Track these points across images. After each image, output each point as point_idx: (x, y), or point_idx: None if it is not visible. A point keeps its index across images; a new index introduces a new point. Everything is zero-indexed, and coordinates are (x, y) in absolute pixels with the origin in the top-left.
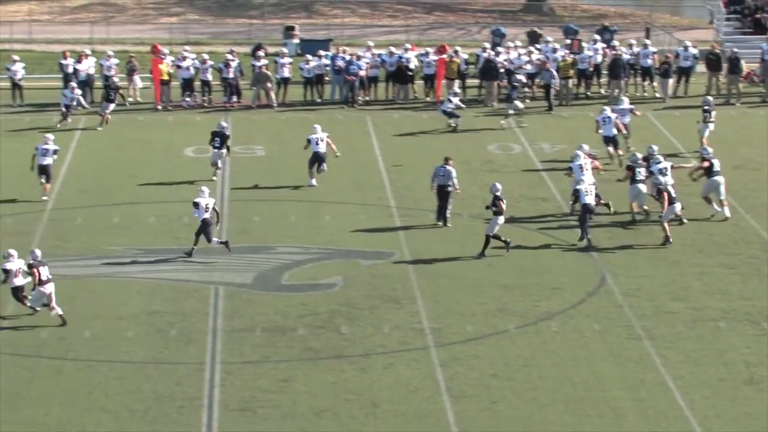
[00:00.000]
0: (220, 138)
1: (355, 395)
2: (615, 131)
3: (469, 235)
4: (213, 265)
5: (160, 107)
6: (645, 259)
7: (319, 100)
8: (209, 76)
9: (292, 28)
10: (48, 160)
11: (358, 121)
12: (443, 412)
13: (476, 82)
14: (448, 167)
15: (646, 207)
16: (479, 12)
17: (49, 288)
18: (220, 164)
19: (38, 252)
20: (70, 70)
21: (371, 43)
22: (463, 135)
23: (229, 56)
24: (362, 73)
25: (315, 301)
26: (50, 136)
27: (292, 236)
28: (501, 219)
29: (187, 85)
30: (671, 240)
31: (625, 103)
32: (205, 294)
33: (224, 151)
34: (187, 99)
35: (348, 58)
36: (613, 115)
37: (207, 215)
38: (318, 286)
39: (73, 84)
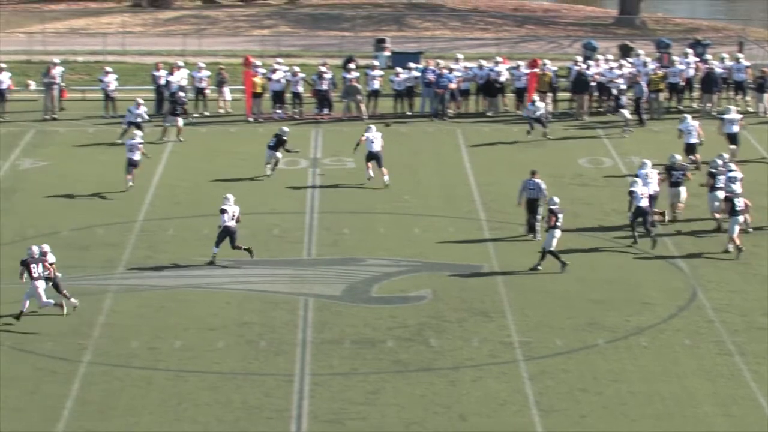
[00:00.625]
0: (276, 139)
1: (443, 408)
2: (697, 140)
3: (559, 249)
4: (302, 277)
5: (251, 119)
6: (737, 273)
7: (409, 113)
8: (300, 89)
9: (383, 41)
10: (137, 155)
11: (448, 134)
12: (532, 426)
13: (567, 95)
14: (537, 180)
15: (718, 215)
16: (570, 25)
17: (41, 285)
18: (269, 168)
19: (35, 248)
20: (162, 81)
21: (460, 56)
22: (554, 148)
23: (323, 68)
24: (453, 86)
25: (404, 313)
26: (139, 132)
27: (382, 248)
28: (557, 233)
29: (278, 98)
30: (742, 249)
31: (732, 113)
32: (295, 305)
33: (278, 153)
34: (278, 111)
35: (438, 70)
36: (696, 123)
37: (232, 223)
38: (407, 299)
39: (140, 101)
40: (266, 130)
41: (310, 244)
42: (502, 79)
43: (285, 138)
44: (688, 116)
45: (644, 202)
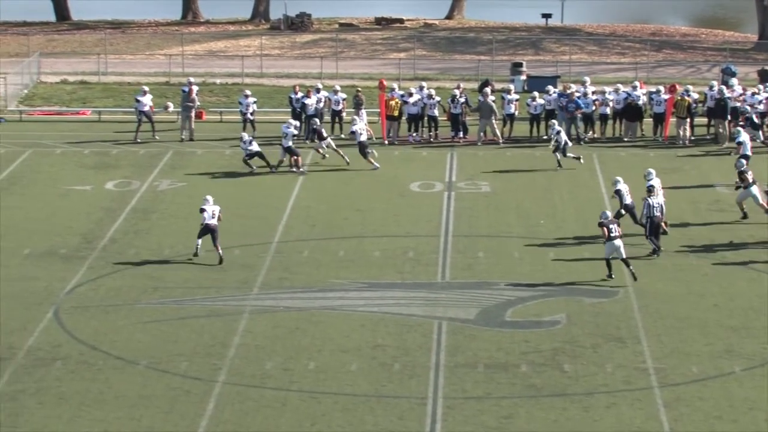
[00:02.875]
0: (314, 132)
1: None
2: None
3: (695, 275)
4: (437, 300)
5: (386, 142)
6: None
7: (545, 137)
8: (436, 112)
9: (519, 65)
10: (288, 142)
11: (584, 159)
12: None
13: (705, 120)
14: (657, 199)
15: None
16: (709, 50)
17: None
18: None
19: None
20: (302, 103)
21: (587, 79)
22: (690, 174)
23: (457, 92)
24: (581, 111)
25: (538, 338)
26: (293, 121)
27: (516, 272)
28: (616, 242)
29: (414, 121)
30: None
31: None
32: (429, 329)
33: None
34: (414, 135)
35: (567, 94)
36: None
37: (213, 221)
38: (541, 323)
39: (145, 88)
40: (402, 154)
41: (444, 267)
42: (641, 103)
43: (317, 128)
44: None
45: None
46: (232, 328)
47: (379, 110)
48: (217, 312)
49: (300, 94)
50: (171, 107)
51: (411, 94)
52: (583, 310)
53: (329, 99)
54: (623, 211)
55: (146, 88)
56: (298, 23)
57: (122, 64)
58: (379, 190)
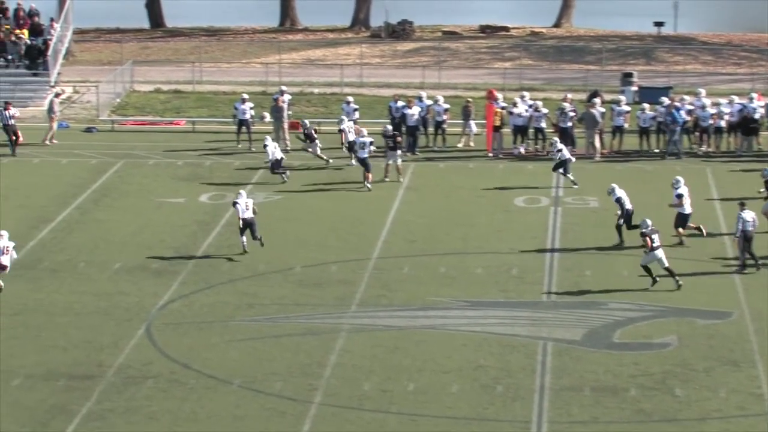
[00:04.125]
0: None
1: None
2: None
3: None
4: (541, 320)
5: (491, 154)
6: None
7: (656, 150)
8: (543, 124)
9: (630, 75)
10: (364, 154)
11: (697, 173)
12: None
13: None
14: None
15: None
16: None
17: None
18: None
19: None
20: (402, 113)
21: (702, 91)
22: None
23: (566, 105)
24: (686, 121)
25: (648, 360)
26: (363, 131)
27: (626, 291)
28: (657, 253)
29: (520, 133)
30: None
31: None
32: (533, 350)
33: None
34: (519, 147)
35: (666, 106)
36: None
37: (248, 214)
38: (651, 345)
39: (245, 96)
40: (506, 167)
41: (549, 285)
42: (757, 116)
43: (309, 132)
44: None
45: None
46: (329, 346)
47: (485, 121)
48: (313, 330)
49: (400, 104)
50: (267, 118)
51: (515, 104)
52: (695, 332)
53: (433, 109)
54: (622, 220)
55: (246, 96)
56: (400, 31)
57: (217, 73)
58: (483, 205)
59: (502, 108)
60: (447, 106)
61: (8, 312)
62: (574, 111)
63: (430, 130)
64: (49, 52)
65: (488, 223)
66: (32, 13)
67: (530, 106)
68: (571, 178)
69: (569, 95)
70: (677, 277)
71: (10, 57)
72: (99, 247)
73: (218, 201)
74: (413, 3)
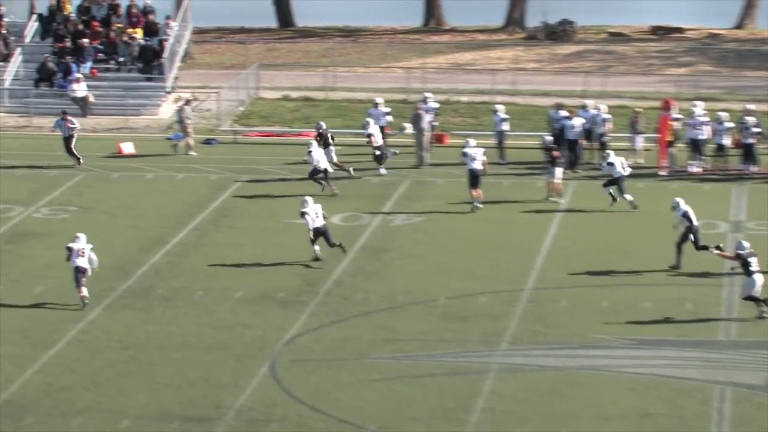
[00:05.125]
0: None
1: None
2: None
3: None
4: (719, 362)
5: (662, 173)
6: None
7: None
8: (725, 140)
9: None
10: (477, 165)
11: None
12: None
13: None
14: None
15: None
16: None
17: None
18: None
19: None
20: (562, 124)
21: None
22: None
23: (749, 118)
24: None
25: None
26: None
27: None
28: (757, 277)
29: (696, 148)
30: None
31: None
32: (708, 395)
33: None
34: (695, 164)
35: None
36: None
37: (320, 222)
38: None
39: (378, 100)
40: (681, 187)
41: (728, 322)
42: None
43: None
44: None
45: None
46: (476, 389)
47: (658, 135)
48: (458, 370)
49: (562, 113)
50: (409, 129)
51: (692, 116)
52: None
53: (595, 121)
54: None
55: (379, 100)
56: (559, 32)
57: (353, 78)
58: (651, 230)
59: (676, 119)
60: (607, 116)
61: (117, 346)
62: (758, 126)
63: (595, 144)
64: (165, 54)
65: (656, 250)
66: (147, 11)
67: (716, 121)
68: (629, 198)
69: (752, 106)
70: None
71: (121, 59)
72: (218, 274)
73: (353, 222)
74: (575, 1)
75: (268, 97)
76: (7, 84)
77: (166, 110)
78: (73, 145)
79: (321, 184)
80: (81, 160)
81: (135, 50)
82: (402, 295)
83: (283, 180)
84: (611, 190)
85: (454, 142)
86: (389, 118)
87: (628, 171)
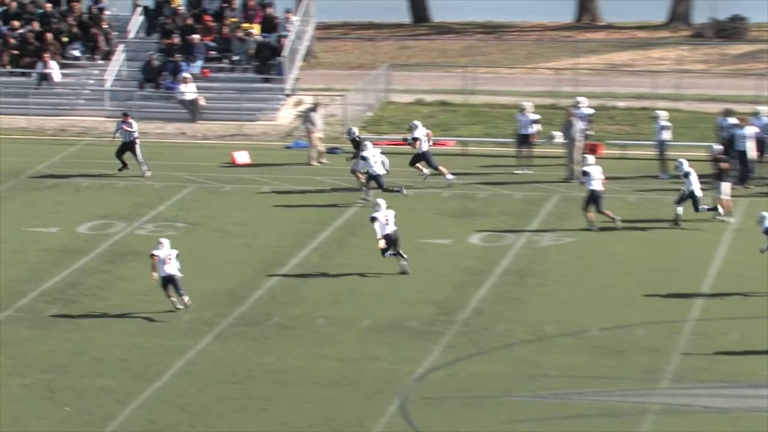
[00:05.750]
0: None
1: None
2: None
3: None
4: None
5: None
6: None
7: None
8: None
9: None
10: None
11: None
12: None
13: None
14: None
15: None
16: None
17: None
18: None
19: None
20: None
21: None
22: None
23: None
24: None
25: None
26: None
27: None
28: None
29: None
30: None
31: None
32: None
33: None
34: None
35: None
36: None
37: (391, 229)
38: None
39: (526, 104)
40: None
41: None
42: None
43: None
44: None
45: None
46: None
47: None
48: (612, 410)
49: (731, 121)
50: (558, 138)
51: None
52: None
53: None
54: None
55: (527, 104)
56: (730, 30)
57: (495, 80)
58: None
59: None
60: None
61: (229, 379)
62: None
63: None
64: (285, 52)
65: None
66: (265, 4)
67: None
68: (722, 213)
69: None
70: None
71: (236, 58)
72: (343, 300)
73: (494, 243)
74: None
75: (400, 101)
76: (108, 85)
77: (285, 115)
78: (138, 151)
79: (365, 189)
80: (128, 167)
81: (251, 48)
82: (549, 325)
83: (416, 193)
84: (679, 211)
85: (610, 152)
86: (537, 126)
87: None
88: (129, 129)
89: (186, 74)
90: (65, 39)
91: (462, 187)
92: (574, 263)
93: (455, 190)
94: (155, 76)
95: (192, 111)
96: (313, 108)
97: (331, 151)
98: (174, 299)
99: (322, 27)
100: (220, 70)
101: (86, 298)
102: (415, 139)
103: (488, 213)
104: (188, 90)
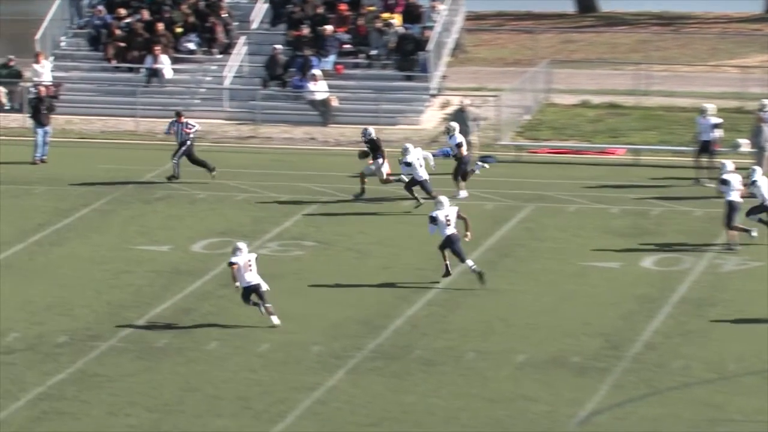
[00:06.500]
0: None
1: None
2: None
3: None
4: None
5: None
6: None
7: None
8: None
9: None
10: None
11: None
12: None
13: None
14: None
15: None
16: None
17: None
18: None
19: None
20: None
21: None
22: None
23: None
24: None
25: None
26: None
27: None
28: None
29: None
30: None
31: None
32: None
33: (380, 160)
34: None
35: None
36: None
37: (451, 230)
38: None
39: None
40: None
41: None
42: None
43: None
44: None
45: None
46: None
47: None
48: None
49: None
50: (745, 145)
51: None
52: None
53: None
54: None
55: (708, 106)
56: None
57: (672, 80)
58: None
59: None
60: None
61: (363, 421)
62: None
63: None
64: (430, 46)
65: None
66: None
67: None
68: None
69: None
70: None
71: (373, 52)
72: (495, 331)
73: (670, 267)
74: None
75: (562, 102)
76: (227, 82)
77: (430, 118)
78: (195, 154)
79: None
80: (179, 175)
81: (391, 41)
82: (733, 362)
83: (580, 209)
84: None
85: None
86: (719, 131)
87: None
88: (188, 129)
89: (316, 71)
90: (179, 30)
91: (633, 203)
92: (763, 290)
93: (625, 206)
94: (281, 72)
95: (323, 113)
96: (461, 110)
97: (483, 160)
98: (263, 311)
99: (472, 17)
100: (356, 66)
101: (200, 327)
102: (459, 145)
103: (663, 232)
104: (319, 89)
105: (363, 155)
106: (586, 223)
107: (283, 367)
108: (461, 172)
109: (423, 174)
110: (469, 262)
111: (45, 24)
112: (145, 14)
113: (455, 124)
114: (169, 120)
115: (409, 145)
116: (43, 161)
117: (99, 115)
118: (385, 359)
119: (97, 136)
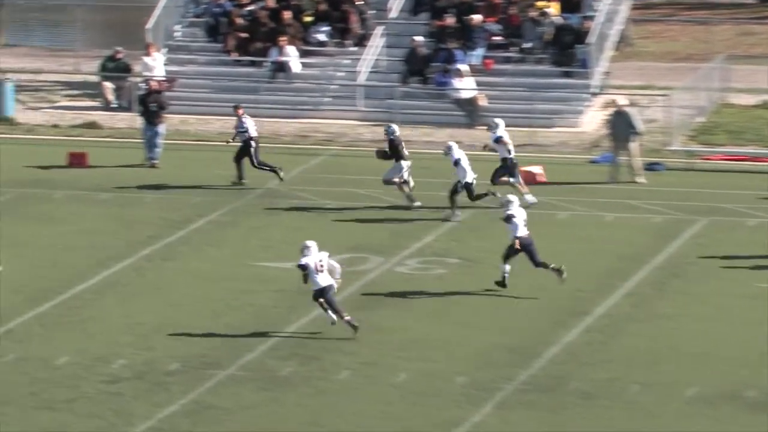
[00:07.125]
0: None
1: None
2: None
3: None
4: None
5: None
6: None
7: None
8: None
9: None
10: None
11: None
12: None
13: None
14: None
15: None
16: None
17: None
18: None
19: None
20: None
21: None
22: None
23: None
24: None
25: None
26: None
27: None
28: None
29: None
30: None
31: None
32: None
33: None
34: None
35: None
36: None
37: (524, 232)
38: None
39: None
40: None
41: None
42: None
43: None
44: None
45: None
46: None
47: None
48: None
49: None
50: None
51: None
52: None
53: None
54: None
55: None
56: None
57: None
58: None
59: None
60: None
61: None
62: None
63: None
64: (592, 39)
65: None
66: None
67: None
68: None
69: None
70: None
71: (527, 45)
72: (662, 361)
73: None
74: None
75: (740, 103)
76: (362, 78)
77: (591, 120)
78: (254, 156)
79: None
80: (244, 179)
81: (548, 32)
82: None
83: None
84: None
85: None
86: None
87: None
88: (240, 129)
89: (462, 66)
90: (308, 19)
91: None
92: None
93: None
94: (423, 67)
95: (470, 113)
96: (618, 112)
97: (651, 167)
98: (347, 317)
99: (639, 6)
100: (507, 60)
101: (329, 354)
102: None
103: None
104: (465, 86)
105: (381, 155)
106: (766, 239)
107: (422, 399)
108: (502, 174)
109: (470, 177)
110: (547, 263)
111: (157, 12)
112: (271, 1)
113: (500, 120)
114: (296, 119)
115: (452, 143)
116: (153, 166)
117: (217, 115)
118: (538, 392)
119: (214, 137)
